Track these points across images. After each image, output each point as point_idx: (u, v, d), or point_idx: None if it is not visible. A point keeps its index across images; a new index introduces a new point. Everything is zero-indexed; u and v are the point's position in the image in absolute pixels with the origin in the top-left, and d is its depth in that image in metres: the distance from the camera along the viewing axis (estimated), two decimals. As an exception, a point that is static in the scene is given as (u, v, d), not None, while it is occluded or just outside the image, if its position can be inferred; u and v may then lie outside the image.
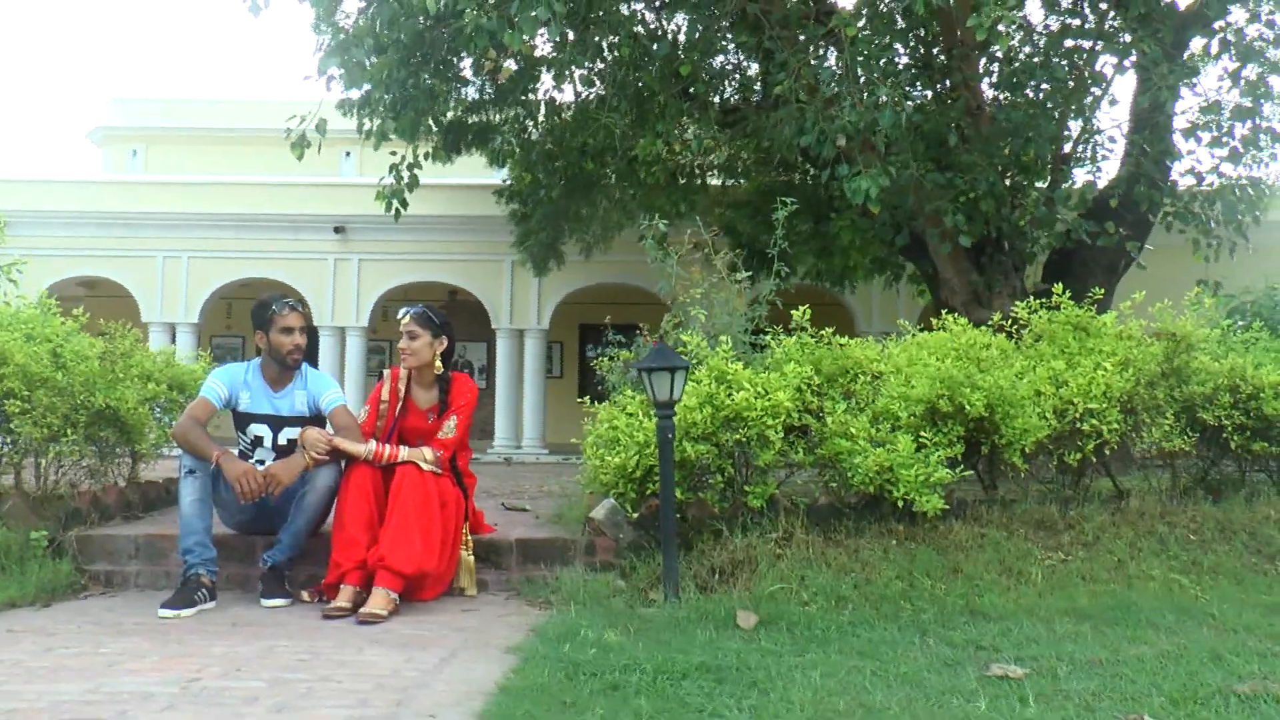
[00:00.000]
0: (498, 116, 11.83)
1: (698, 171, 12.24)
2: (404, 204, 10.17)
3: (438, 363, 4.83)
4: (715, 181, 12.61)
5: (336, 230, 16.27)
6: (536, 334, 16.52)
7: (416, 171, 10.25)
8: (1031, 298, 6.23)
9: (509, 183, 13.06)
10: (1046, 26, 10.47)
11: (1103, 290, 6.34)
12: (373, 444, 4.61)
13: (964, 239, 9.11)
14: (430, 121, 10.45)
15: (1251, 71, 9.30)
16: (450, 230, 16.24)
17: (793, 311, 5.41)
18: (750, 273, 5.88)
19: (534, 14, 7.42)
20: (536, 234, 13.55)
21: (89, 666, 3.39)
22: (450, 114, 11.28)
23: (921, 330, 6.03)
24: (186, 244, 16.27)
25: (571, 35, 8.83)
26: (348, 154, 19.04)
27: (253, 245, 16.31)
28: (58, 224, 15.83)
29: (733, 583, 4.53)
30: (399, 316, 4.85)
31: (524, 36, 7.80)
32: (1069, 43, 10.03)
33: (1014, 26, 7.90)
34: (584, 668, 3.31)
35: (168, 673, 3.31)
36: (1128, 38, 8.94)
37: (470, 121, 11.78)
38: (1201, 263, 10.29)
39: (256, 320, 4.89)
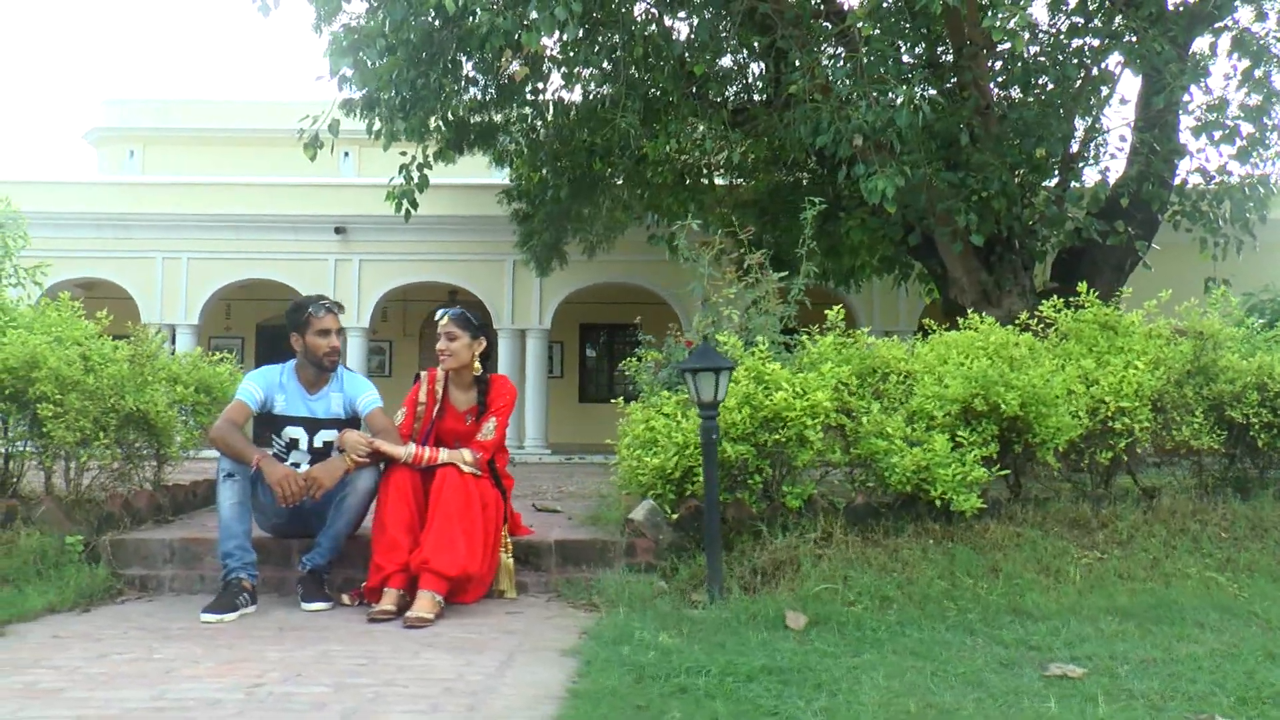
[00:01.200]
0: (500, 116, 11.82)
1: (705, 171, 12.24)
2: (414, 204, 10.16)
3: (476, 364, 4.81)
4: (721, 181, 12.61)
5: (337, 231, 16.22)
6: (538, 334, 16.50)
7: (426, 172, 10.23)
8: (1055, 296, 6.24)
9: (519, 182, 13.02)
10: (1054, 25, 10.51)
11: (1130, 290, 6.35)
12: (412, 446, 4.58)
13: (976, 238, 9.14)
14: (439, 121, 10.43)
15: (1260, 71, 9.36)
16: (451, 230, 16.19)
17: (827, 311, 5.42)
18: (785, 273, 5.86)
19: (553, 13, 7.41)
20: (540, 234, 13.53)
21: (146, 672, 3.37)
22: (456, 114, 11.25)
23: (947, 329, 6.04)
24: (186, 245, 16.20)
25: (581, 35, 8.83)
26: (346, 154, 18.98)
27: (253, 246, 16.25)
28: (56, 225, 15.68)
29: (775, 583, 4.52)
30: (436, 318, 4.83)
31: (541, 37, 7.80)
32: (1076, 41, 10.08)
33: (1023, 26, 7.93)
34: (647, 670, 3.30)
35: (227, 678, 3.29)
36: (1133, 38, 8.98)
37: (473, 122, 11.76)
38: (1209, 261, 10.35)
39: (292, 322, 4.85)
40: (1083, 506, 5.37)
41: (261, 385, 4.79)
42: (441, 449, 4.61)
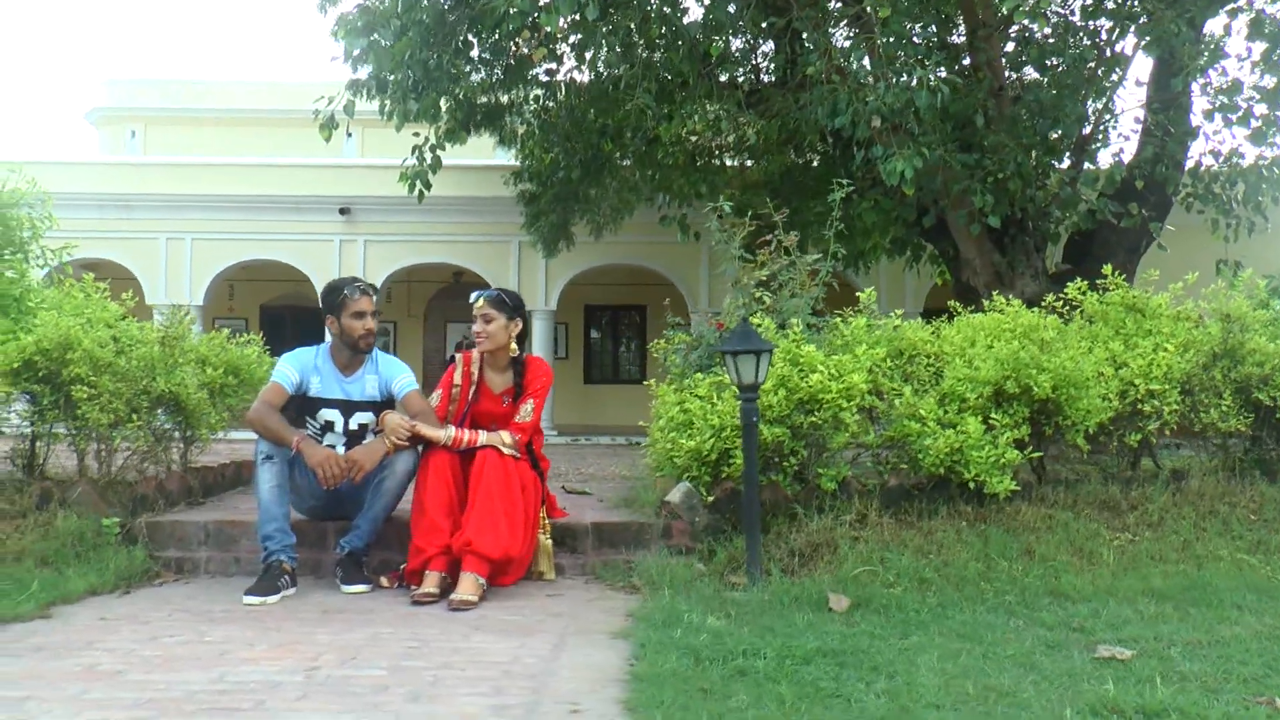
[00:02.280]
0: (508, 98, 11.77)
1: (716, 152, 12.20)
2: (427, 185, 10.14)
3: (513, 346, 4.80)
4: (732, 163, 12.58)
5: (342, 212, 16.17)
6: (544, 315, 16.48)
7: (439, 152, 10.20)
8: (1076, 279, 6.24)
9: (528, 163, 12.97)
10: (1068, 7, 10.48)
11: (1157, 272, 6.37)
12: (452, 429, 4.58)
13: (992, 219, 9.14)
14: (451, 101, 10.39)
15: (1277, 54, 9.34)
16: (456, 211, 16.15)
17: (859, 294, 5.42)
18: (818, 255, 5.86)
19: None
20: (547, 215, 13.50)
21: (201, 655, 3.37)
22: (465, 95, 11.21)
23: (973, 311, 6.03)
24: (190, 226, 16.14)
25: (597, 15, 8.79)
26: (350, 135, 18.86)
27: (257, 227, 16.21)
28: (58, 206, 15.54)
29: (814, 566, 4.54)
30: (471, 300, 4.80)
31: (559, 18, 7.77)
32: (1091, 24, 10.06)
33: (1044, 8, 7.91)
34: (703, 653, 3.30)
35: (283, 661, 3.29)
36: (1144, 20, 8.96)
37: (480, 102, 11.71)
38: (1221, 243, 10.37)
39: (327, 305, 4.84)
40: (1112, 489, 5.39)
41: (297, 367, 4.78)
42: (481, 431, 4.61)
